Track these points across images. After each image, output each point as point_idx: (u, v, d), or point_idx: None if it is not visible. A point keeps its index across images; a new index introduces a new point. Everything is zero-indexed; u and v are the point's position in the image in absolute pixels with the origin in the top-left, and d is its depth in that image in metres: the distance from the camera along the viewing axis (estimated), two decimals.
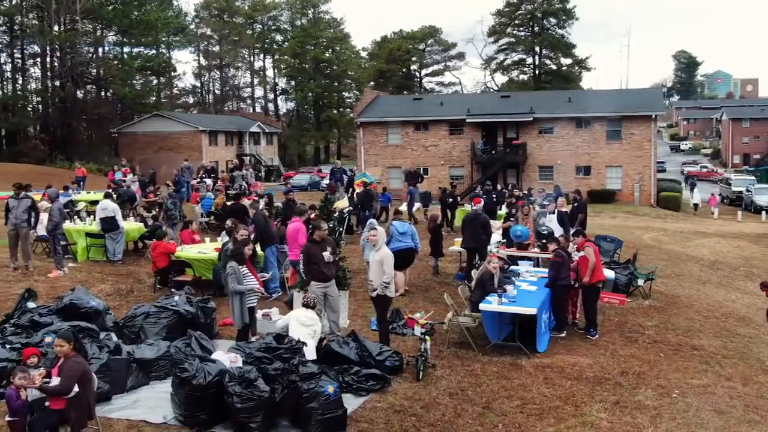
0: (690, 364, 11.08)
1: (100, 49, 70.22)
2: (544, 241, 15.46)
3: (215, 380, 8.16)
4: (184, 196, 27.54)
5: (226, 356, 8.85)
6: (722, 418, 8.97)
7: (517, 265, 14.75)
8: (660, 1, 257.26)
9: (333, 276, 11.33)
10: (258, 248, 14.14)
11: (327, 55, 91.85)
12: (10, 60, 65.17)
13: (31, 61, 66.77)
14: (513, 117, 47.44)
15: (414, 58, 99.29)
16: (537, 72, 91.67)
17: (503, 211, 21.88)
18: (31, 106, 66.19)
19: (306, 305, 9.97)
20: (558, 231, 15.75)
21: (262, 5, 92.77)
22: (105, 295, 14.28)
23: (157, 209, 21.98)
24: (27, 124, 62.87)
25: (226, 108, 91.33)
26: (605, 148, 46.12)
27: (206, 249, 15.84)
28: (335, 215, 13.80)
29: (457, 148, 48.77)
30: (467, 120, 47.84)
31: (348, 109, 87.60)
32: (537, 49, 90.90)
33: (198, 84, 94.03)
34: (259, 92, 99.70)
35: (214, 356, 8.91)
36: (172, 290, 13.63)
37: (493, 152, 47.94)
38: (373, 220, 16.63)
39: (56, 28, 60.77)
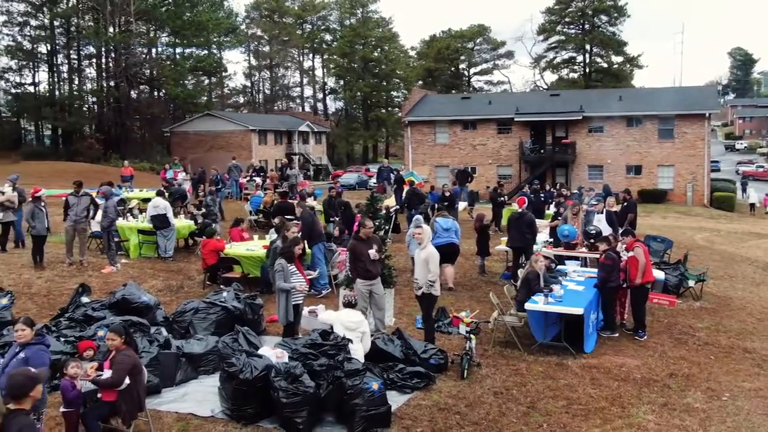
0: (741, 367, 10.85)
1: (153, 50, 71.49)
2: (592, 240, 15.29)
3: (261, 375, 8.27)
4: (225, 194, 28.01)
5: (272, 352, 8.96)
6: None
7: (564, 264, 14.64)
8: None
9: (378, 274, 11.37)
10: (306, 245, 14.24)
11: (375, 54, 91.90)
12: (67, 61, 66.77)
13: (87, 62, 68.25)
14: (562, 116, 46.96)
15: (462, 57, 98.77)
16: (587, 70, 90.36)
17: (551, 210, 21.70)
18: (87, 106, 67.57)
19: (347, 304, 10.02)
20: (606, 231, 15.55)
21: (311, 5, 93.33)
22: (156, 290, 14.57)
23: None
24: (83, 123, 64.28)
25: (275, 107, 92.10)
26: (657, 147, 45.35)
27: (254, 246, 16.05)
28: (382, 213, 13.85)
29: (506, 147, 48.49)
30: (516, 119, 47.53)
31: (396, 109, 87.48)
32: (587, 47, 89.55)
33: (248, 84, 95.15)
34: (308, 92, 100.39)
35: (260, 352, 9.03)
36: (221, 286, 13.84)
37: (542, 151, 47.54)
38: (419, 217, 16.64)
39: (111, 29, 62.03)
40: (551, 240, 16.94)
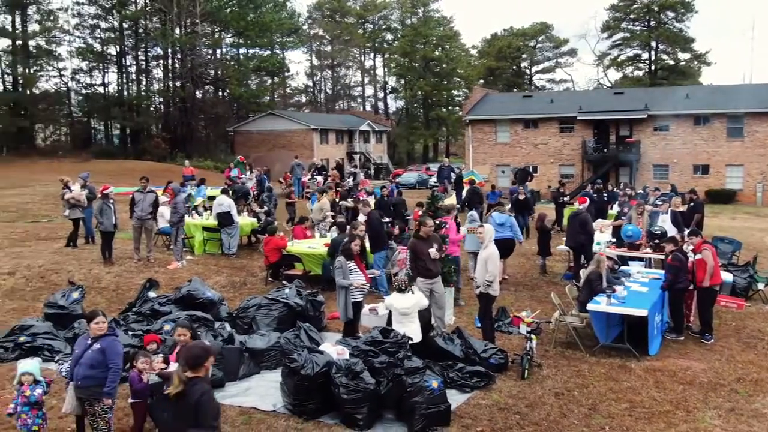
0: None
1: (218, 51, 72.73)
2: (656, 241, 14.99)
3: (323, 371, 8.38)
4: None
5: (333, 348, 9.06)
6: None
7: (628, 265, 14.39)
8: None
9: (438, 272, 11.39)
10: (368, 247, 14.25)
11: (436, 53, 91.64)
12: (135, 62, 68.40)
13: (154, 63, 69.72)
14: (626, 114, 46.00)
15: (524, 56, 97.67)
16: (652, 68, 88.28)
17: (614, 210, 21.35)
18: (153, 106, 69.17)
19: (398, 289, 9.99)
20: (671, 231, 15.22)
21: (373, 5, 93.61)
22: (220, 286, 14.87)
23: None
24: (150, 123, 65.74)
25: (336, 107, 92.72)
26: (725, 146, 44.06)
27: (316, 244, 16.23)
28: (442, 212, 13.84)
29: (568, 146, 47.79)
30: (578, 117, 46.78)
31: (457, 108, 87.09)
32: (653, 44, 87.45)
33: (310, 83, 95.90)
34: (369, 91, 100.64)
35: (321, 348, 9.14)
36: (283, 283, 14.02)
37: (605, 150, 46.66)
38: (473, 212, 16.57)
39: (177, 31, 63.32)
40: (614, 240, 16.68)
